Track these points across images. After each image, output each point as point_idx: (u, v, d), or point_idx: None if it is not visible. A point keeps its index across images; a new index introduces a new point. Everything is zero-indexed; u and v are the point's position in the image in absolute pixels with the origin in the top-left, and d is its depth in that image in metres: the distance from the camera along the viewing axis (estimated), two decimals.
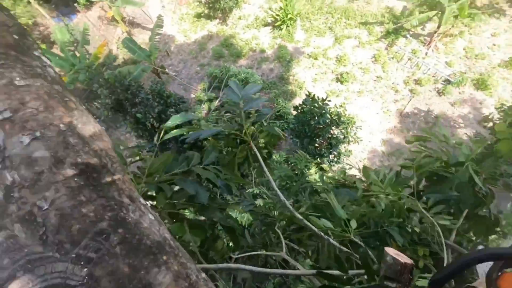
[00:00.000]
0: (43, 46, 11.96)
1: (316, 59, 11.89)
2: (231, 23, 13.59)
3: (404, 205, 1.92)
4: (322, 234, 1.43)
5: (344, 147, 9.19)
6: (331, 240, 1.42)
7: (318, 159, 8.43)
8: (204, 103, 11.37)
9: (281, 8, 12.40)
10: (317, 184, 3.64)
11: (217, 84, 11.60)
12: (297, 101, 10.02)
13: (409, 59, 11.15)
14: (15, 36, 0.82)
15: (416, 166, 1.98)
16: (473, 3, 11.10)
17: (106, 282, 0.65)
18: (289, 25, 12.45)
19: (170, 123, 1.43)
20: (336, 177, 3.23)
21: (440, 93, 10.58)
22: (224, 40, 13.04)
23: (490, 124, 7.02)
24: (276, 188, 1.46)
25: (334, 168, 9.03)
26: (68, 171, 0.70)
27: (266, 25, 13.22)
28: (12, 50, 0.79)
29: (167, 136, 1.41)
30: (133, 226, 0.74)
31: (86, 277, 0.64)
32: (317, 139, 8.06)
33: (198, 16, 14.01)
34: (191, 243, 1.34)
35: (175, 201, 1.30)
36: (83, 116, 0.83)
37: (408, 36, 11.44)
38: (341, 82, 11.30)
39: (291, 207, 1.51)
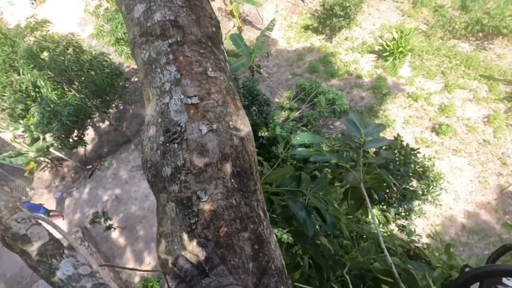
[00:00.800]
0: None
1: (416, 100, 10.89)
2: (336, 41, 13.43)
3: None
4: None
5: (419, 204, 8.18)
6: None
7: (385, 206, 7.68)
8: (284, 110, 11.48)
9: (394, 39, 11.73)
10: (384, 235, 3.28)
11: (303, 96, 11.60)
12: None
13: None
14: (213, 29, 0.89)
15: None
16: None
17: None
18: (396, 58, 11.69)
19: (298, 139, 1.40)
20: (405, 238, 2.83)
21: None
22: (324, 56, 12.96)
23: None
24: (381, 239, 1.31)
25: (398, 222, 8.13)
26: (229, 170, 0.71)
27: (371, 52, 12.67)
28: (210, 41, 0.85)
29: (292, 152, 1.39)
30: (265, 245, 0.71)
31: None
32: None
33: (306, 27, 14.21)
34: None
35: (277, 218, 1.27)
36: (244, 117, 0.85)
37: None
38: (437, 133, 10.10)
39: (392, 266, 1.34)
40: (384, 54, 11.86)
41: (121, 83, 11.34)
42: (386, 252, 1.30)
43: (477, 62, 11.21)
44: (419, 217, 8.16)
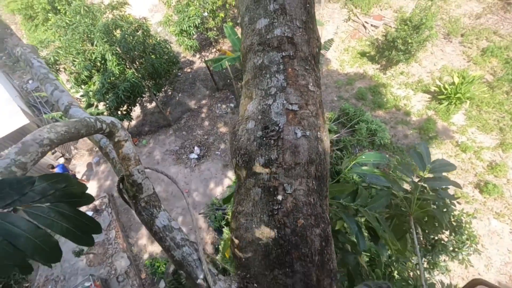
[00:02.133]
0: (230, 23, 14.29)
1: (464, 151, 10.28)
2: (390, 73, 13.14)
3: None
4: None
5: (445, 260, 7.66)
6: None
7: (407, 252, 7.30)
8: None
9: (453, 83, 11.23)
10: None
11: (344, 120, 11.46)
12: None
13: None
14: (317, 50, 1.01)
15: None
16: None
17: (298, 278, 0.74)
18: (452, 103, 11.15)
19: (364, 158, 1.48)
20: None
21: None
22: (374, 86, 12.73)
23: None
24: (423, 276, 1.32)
25: (417, 272, 7.66)
26: (313, 172, 0.82)
27: (426, 91, 12.22)
28: (313, 60, 0.97)
29: (354, 170, 1.47)
30: (329, 245, 0.81)
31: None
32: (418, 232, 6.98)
33: (362, 54, 14.09)
34: None
35: None
36: (327, 131, 0.95)
37: None
38: (481, 191, 9.42)
39: None
40: (440, 97, 11.38)
41: (174, 71, 12.07)
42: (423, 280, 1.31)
43: None
44: (442, 273, 7.63)
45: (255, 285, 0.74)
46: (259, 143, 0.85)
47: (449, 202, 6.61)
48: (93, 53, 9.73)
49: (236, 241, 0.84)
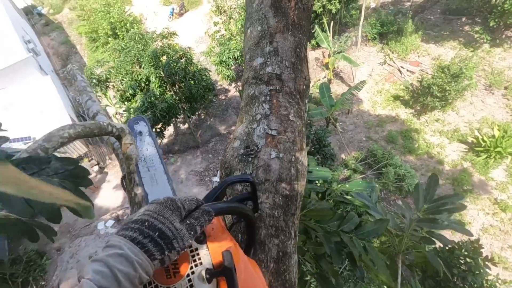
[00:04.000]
0: None
1: (503, 210, 9.42)
2: (424, 119, 12.80)
3: None
4: None
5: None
6: None
7: None
8: (348, 169, 11.18)
9: (493, 136, 10.62)
10: None
11: (371, 161, 11.19)
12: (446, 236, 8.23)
13: None
14: (304, 87, 1.17)
15: None
16: None
17: None
18: (491, 157, 10.47)
19: (348, 186, 1.55)
20: None
21: None
22: (406, 130, 12.41)
23: None
24: None
25: None
26: (281, 189, 0.93)
27: (462, 141, 11.65)
28: (298, 95, 1.13)
29: (335, 198, 1.53)
30: (287, 257, 0.89)
31: None
32: None
33: (396, 97, 13.97)
34: None
35: (307, 251, 1.40)
36: (304, 158, 1.07)
37: None
38: None
39: None
40: (477, 149, 10.76)
41: (209, 97, 12.85)
42: None
43: None
44: None
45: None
46: (240, 159, 0.99)
47: (481, 263, 6.03)
48: (140, 74, 10.78)
49: None
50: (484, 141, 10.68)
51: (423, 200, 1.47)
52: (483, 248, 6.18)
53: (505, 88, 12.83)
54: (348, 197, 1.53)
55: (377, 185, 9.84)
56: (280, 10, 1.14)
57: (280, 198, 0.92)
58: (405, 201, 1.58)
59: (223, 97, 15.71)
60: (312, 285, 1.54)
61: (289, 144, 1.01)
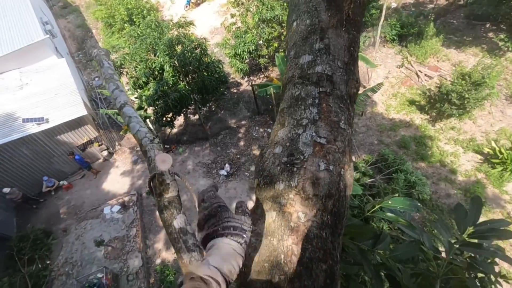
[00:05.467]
0: (282, 53, 14.83)
1: None
2: (439, 127, 12.47)
3: None
4: None
5: None
6: None
7: None
8: (357, 172, 10.99)
9: (511, 148, 10.28)
10: None
11: (382, 166, 10.97)
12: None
13: None
14: (355, 90, 1.05)
15: None
16: None
17: None
18: (508, 169, 10.15)
19: (390, 203, 1.43)
20: None
21: None
22: (420, 136, 12.13)
23: None
24: None
25: None
26: (329, 207, 0.83)
27: (477, 152, 11.32)
28: (349, 99, 1.01)
29: (378, 214, 1.42)
30: (334, 284, 0.79)
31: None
32: None
33: (411, 102, 13.65)
34: None
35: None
36: (352, 170, 0.96)
37: None
38: None
39: None
40: (493, 160, 10.45)
41: (222, 89, 12.73)
42: None
43: None
44: None
45: None
46: (283, 168, 0.89)
47: (493, 278, 5.90)
48: (154, 62, 10.71)
49: (246, 258, 0.86)
50: (501, 152, 10.36)
51: (467, 222, 1.34)
52: (497, 264, 6.02)
53: None
54: (391, 215, 1.41)
55: (419, 204, 9.68)
56: (334, 3, 1.01)
57: (328, 217, 0.82)
58: (443, 221, 1.46)
59: (235, 91, 15.58)
60: None
61: (339, 155, 0.90)
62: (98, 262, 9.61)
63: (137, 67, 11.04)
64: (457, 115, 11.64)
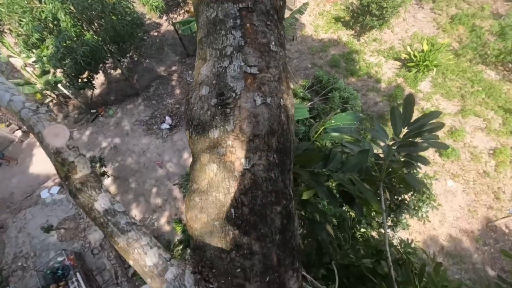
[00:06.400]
0: None
1: None
2: (363, 40, 13.09)
3: None
4: None
5: (406, 217, 8.34)
6: None
7: (373, 212, 7.84)
8: (297, 98, 11.37)
9: (422, 51, 11.45)
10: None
11: (318, 88, 11.46)
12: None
13: None
14: (281, 3, 0.87)
15: None
16: None
17: (256, 259, 0.68)
18: (420, 71, 11.46)
19: (333, 122, 1.40)
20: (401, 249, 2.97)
21: None
22: (348, 53, 12.67)
23: None
24: (388, 244, 1.36)
25: (381, 231, 8.32)
26: (274, 145, 0.73)
27: (396, 59, 12.40)
28: (276, 14, 0.84)
29: (324, 137, 1.39)
30: (291, 222, 0.75)
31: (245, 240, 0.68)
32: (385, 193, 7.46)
33: (337, 19, 13.79)
34: None
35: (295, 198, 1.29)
36: (291, 97, 0.86)
37: None
38: (441, 155, 10.12)
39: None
40: (409, 64, 11.62)
41: (139, 34, 11.12)
42: (389, 255, 1.35)
43: (499, 93, 11.03)
44: (403, 229, 8.35)
45: (213, 270, 0.68)
46: (214, 112, 0.74)
47: (415, 164, 7.00)
48: (42, 11, 8.61)
49: (191, 222, 0.76)
50: (414, 56, 11.50)
51: (401, 124, 1.42)
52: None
53: (433, 1, 13.42)
54: (335, 134, 1.41)
55: (361, 114, 10.29)
56: None
57: (275, 156, 0.73)
58: (381, 126, 1.53)
59: (156, 33, 13.82)
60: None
61: (275, 83, 0.77)
62: (54, 247, 9.05)
63: (21, 21, 8.80)
64: (378, 26, 12.22)
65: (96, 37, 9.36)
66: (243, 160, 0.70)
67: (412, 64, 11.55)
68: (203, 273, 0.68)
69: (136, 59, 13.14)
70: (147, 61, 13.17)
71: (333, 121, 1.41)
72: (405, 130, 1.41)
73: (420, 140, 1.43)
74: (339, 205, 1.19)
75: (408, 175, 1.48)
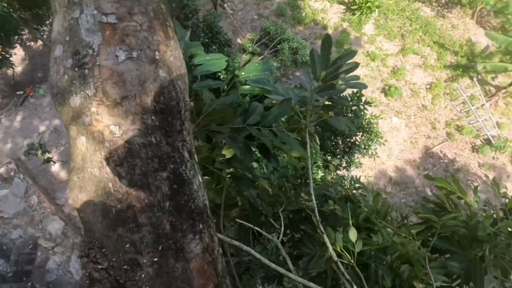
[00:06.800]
0: None
1: (373, 60, 11.22)
2: None
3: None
4: (332, 250, 1.40)
5: (358, 157, 9.04)
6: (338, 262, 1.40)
7: (330, 156, 8.35)
8: (246, 54, 11.00)
9: None
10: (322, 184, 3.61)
11: (266, 40, 11.12)
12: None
13: (463, 102, 10.49)
14: None
15: (441, 224, 1.89)
16: None
17: (145, 231, 0.63)
18: (363, 13, 11.56)
19: (244, 74, 1.31)
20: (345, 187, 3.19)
21: (474, 149, 10.12)
22: (293, 0, 12.23)
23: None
24: (311, 184, 1.41)
25: (338, 172, 8.98)
26: (149, 106, 0.64)
27: (341, 2, 12.28)
28: None
29: (233, 93, 1.31)
30: (186, 185, 0.70)
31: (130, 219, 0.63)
32: (338, 137, 7.92)
33: None
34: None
35: (216, 158, 1.25)
36: (176, 49, 0.75)
37: (474, 79, 10.64)
38: (386, 95, 10.78)
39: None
40: (353, 7, 11.62)
41: None
42: (313, 197, 1.42)
43: (433, 29, 11.65)
44: (357, 167, 9.10)
45: (103, 250, 0.63)
46: (71, 76, 0.62)
47: (362, 107, 7.32)
48: None
49: (75, 204, 0.68)
50: None
51: (320, 67, 1.41)
52: (363, 95, 7.51)
53: None
54: (246, 87, 1.34)
55: (274, 63, 10.15)
56: None
57: (153, 118, 0.65)
58: (307, 71, 1.51)
59: None
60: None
61: (144, 33, 0.66)
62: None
63: None
64: None
65: (1, 4, 7.81)
66: (112, 127, 0.62)
67: (355, 7, 11.55)
68: (90, 255, 0.63)
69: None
70: None
71: (243, 73, 1.34)
72: (324, 74, 1.41)
73: (341, 82, 1.45)
74: (254, 159, 1.18)
75: (332, 118, 1.52)
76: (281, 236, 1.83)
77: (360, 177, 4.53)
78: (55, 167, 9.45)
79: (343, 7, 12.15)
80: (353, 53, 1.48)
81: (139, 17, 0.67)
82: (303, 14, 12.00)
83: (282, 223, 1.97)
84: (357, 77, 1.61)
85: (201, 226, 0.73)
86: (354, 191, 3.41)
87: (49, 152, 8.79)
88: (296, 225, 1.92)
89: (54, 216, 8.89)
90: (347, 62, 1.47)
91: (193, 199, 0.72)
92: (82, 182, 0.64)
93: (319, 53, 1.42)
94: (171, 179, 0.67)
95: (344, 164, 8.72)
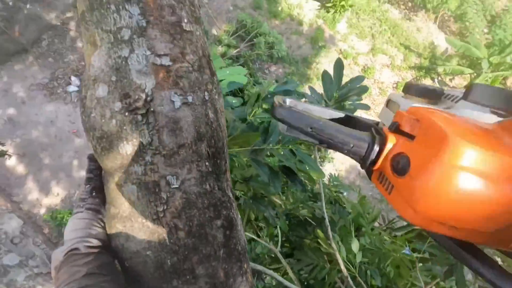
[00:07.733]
0: None
1: (345, 58, 11.59)
2: None
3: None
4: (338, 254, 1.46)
5: (330, 152, 9.40)
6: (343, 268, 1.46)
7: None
8: (222, 46, 10.77)
9: None
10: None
11: (243, 33, 10.96)
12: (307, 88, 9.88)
13: None
14: None
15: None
16: (505, 83, 11.28)
17: (202, 282, 0.61)
18: (337, 11, 11.83)
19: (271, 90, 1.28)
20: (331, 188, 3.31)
21: None
22: None
23: None
24: (322, 188, 1.44)
25: None
26: (204, 151, 0.61)
27: None
28: None
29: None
30: (234, 229, 0.68)
31: (188, 275, 0.59)
32: None
33: None
34: None
35: (235, 179, 1.22)
36: (218, 85, 0.72)
37: (436, 80, 11.47)
38: None
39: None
40: (327, 5, 11.83)
41: None
42: (323, 203, 1.46)
43: (400, 31, 12.30)
44: (329, 162, 9.47)
45: None
46: (121, 121, 0.57)
47: None
48: None
49: (118, 253, 0.64)
50: None
51: (334, 88, 1.44)
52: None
53: None
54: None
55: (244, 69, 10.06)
56: None
57: (207, 164, 0.63)
58: (313, 89, 1.53)
59: None
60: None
61: (195, 74, 0.62)
62: None
63: None
64: None
65: None
66: (169, 178, 0.58)
67: (330, 4, 11.77)
68: None
69: (11, 3, 10.23)
70: (28, 6, 10.38)
71: (271, 90, 1.32)
72: (336, 95, 1.45)
73: (349, 102, 1.50)
74: (280, 184, 1.18)
75: None
76: (279, 247, 1.87)
77: (335, 173, 4.73)
78: (11, 161, 8.62)
79: (318, 3, 12.32)
80: (361, 77, 1.53)
81: (190, 56, 0.63)
82: (279, 8, 11.99)
83: (279, 233, 2.00)
84: (360, 98, 1.67)
85: (245, 266, 0.73)
86: (334, 190, 3.56)
87: (3, 145, 7.98)
88: (295, 229, 1.98)
89: (11, 214, 8.13)
90: (358, 86, 1.52)
91: (238, 240, 0.72)
92: (130, 232, 0.60)
93: (331, 74, 1.45)
94: (224, 226, 0.65)
95: (318, 159, 9.02)
